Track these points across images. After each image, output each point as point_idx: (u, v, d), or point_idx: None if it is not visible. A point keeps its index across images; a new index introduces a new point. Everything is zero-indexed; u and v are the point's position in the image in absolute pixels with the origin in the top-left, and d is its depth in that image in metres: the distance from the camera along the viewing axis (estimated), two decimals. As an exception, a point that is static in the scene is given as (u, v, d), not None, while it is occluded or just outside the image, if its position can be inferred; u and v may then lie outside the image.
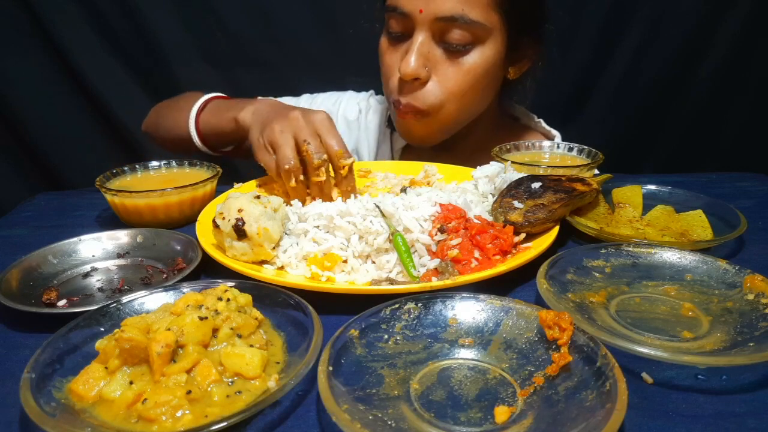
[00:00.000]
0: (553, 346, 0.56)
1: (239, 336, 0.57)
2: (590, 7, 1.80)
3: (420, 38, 1.06)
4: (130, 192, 0.94)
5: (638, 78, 1.86)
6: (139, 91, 1.89)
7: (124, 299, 0.64)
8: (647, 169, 2.01)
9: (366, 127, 1.40)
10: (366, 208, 0.79)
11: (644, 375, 0.56)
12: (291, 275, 0.74)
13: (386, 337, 0.59)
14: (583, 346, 0.54)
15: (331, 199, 0.92)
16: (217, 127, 1.15)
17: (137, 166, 1.07)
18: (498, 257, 0.76)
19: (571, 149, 1.12)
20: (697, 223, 0.88)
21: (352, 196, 0.91)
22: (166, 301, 0.64)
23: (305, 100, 1.45)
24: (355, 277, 0.74)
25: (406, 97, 1.11)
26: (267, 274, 0.72)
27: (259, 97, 1.22)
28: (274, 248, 0.77)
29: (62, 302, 0.71)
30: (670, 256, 0.74)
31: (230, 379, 0.54)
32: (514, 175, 0.92)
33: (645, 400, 0.53)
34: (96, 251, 0.84)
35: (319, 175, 0.92)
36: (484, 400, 0.52)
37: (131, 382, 0.52)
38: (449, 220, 0.77)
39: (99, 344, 0.55)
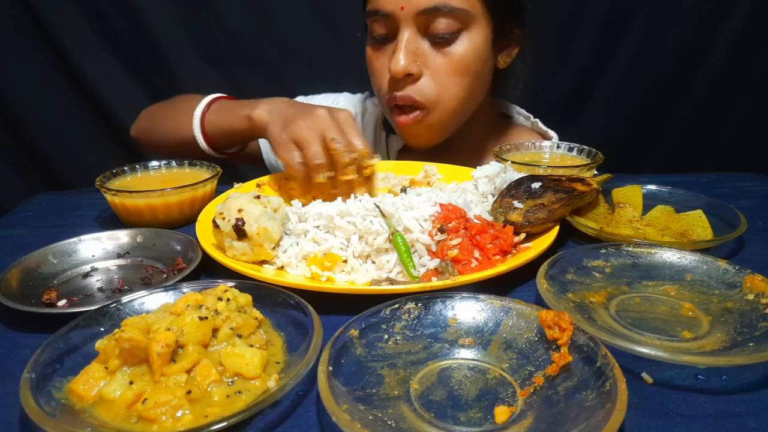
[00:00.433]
0: (553, 346, 0.56)
1: (239, 336, 0.57)
2: (590, 7, 1.81)
3: (406, 35, 1.06)
4: (130, 192, 0.94)
5: (638, 78, 1.86)
6: (139, 91, 1.89)
7: (124, 299, 0.64)
8: (647, 169, 2.01)
9: (362, 129, 1.40)
10: (366, 208, 0.79)
11: (644, 375, 0.56)
12: (291, 275, 0.74)
13: (386, 337, 0.59)
14: (583, 346, 0.54)
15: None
16: (227, 126, 1.13)
17: (137, 166, 1.08)
18: (498, 257, 0.76)
19: (571, 149, 1.12)
20: (697, 223, 0.88)
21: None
22: (166, 301, 0.64)
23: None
24: (355, 277, 0.74)
25: (402, 91, 1.10)
26: (267, 274, 0.72)
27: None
28: (274, 248, 0.77)
29: (62, 302, 0.71)
30: (670, 256, 0.74)
31: (230, 379, 0.54)
32: (514, 175, 0.92)
33: (645, 400, 0.53)
34: (96, 251, 0.84)
35: (347, 173, 0.92)
36: (484, 400, 0.52)
37: (131, 382, 0.52)
38: (449, 220, 0.77)
39: (99, 344, 0.55)
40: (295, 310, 0.62)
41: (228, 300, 0.60)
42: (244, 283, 0.67)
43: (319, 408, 0.53)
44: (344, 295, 0.68)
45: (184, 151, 1.19)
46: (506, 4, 1.13)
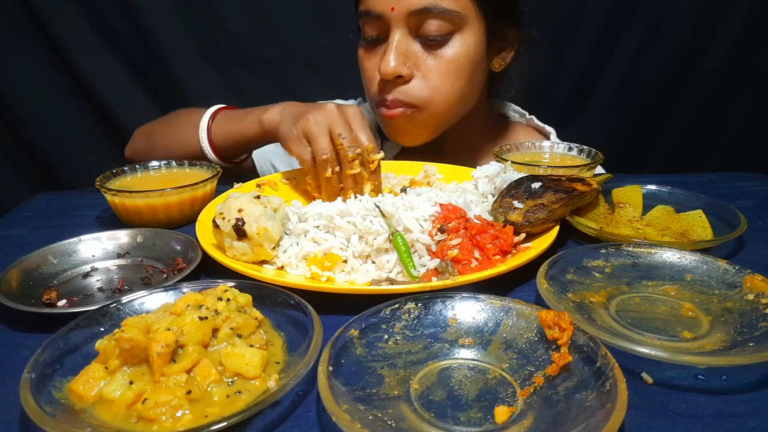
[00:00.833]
0: (553, 346, 0.56)
1: (239, 336, 0.57)
2: (590, 7, 1.81)
3: (397, 36, 1.05)
4: (130, 192, 0.94)
5: (638, 78, 1.86)
6: (139, 91, 1.89)
7: (124, 299, 0.64)
8: (647, 169, 2.01)
9: None
10: (366, 208, 0.79)
11: (644, 375, 0.56)
12: (291, 275, 0.74)
13: (386, 337, 0.59)
14: (583, 346, 0.54)
15: (362, 193, 0.94)
16: (236, 134, 1.13)
17: (137, 166, 1.08)
18: (498, 257, 0.76)
19: (571, 149, 1.12)
20: (697, 223, 0.88)
21: (368, 194, 0.92)
22: (166, 301, 0.64)
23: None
24: (355, 277, 0.74)
25: (392, 93, 1.09)
26: (267, 274, 0.72)
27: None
28: (274, 248, 0.77)
29: (62, 302, 0.71)
30: (670, 256, 0.74)
31: (230, 379, 0.54)
32: (514, 175, 0.92)
33: (645, 400, 0.53)
34: (96, 251, 0.84)
35: (353, 167, 0.93)
36: (484, 400, 0.52)
37: (131, 382, 0.52)
38: (449, 220, 0.77)
39: (99, 344, 0.55)
40: (295, 310, 0.62)
41: (228, 300, 0.60)
42: (244, 283, 0.67)
43: (319, 408, 0.53)
44: (344, 295, 0.68)
45: None
46: (500, 5, 1.12)
